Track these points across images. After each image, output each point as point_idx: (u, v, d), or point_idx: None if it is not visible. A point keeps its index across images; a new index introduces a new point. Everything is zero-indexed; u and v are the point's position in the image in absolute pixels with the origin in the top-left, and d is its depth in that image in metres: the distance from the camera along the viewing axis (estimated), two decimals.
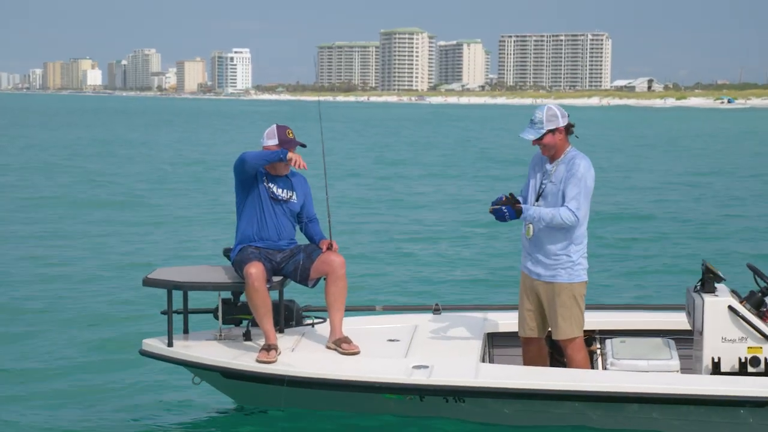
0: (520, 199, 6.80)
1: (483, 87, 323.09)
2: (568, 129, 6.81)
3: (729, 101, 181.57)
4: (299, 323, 7.52)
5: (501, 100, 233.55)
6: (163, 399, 7.71)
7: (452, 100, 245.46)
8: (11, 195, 23.55)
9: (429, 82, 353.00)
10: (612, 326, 7.56)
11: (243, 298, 7.14)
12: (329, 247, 7.15)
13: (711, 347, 6.64)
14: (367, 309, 8.25)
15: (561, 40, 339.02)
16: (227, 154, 40.96)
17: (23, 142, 48.25)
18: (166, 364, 7.26)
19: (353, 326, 7.43)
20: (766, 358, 6.59)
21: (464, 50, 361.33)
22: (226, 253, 7.34)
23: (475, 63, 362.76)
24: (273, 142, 7.15)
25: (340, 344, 7.01)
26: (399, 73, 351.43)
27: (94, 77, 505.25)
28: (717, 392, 6.30)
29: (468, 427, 6.63)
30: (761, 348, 6.60)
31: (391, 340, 7.27)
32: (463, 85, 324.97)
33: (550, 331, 6.97)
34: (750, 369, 6.58)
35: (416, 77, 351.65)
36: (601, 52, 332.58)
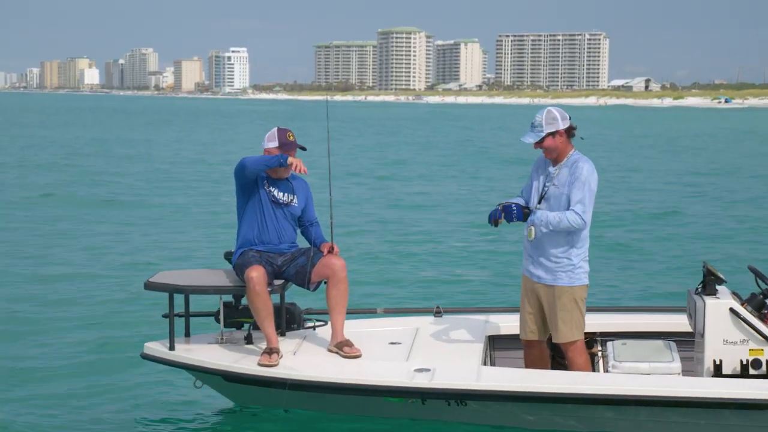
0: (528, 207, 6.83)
1: (480, 86, 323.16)
2: (569, 132, 6.80)
3: (726, 101, 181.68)
4: (300, 326, 7.52)
5: (498, 100, 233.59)
6: (165, 402, 7.70)
7: (449, 99, 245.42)
8: (11, 195, 23.50)
9: (426, 82, 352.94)
10: (613, 328, 7.56)
11: (244, 301, 7.14)
12: (330, 250, 7.15)
13: (712, 349, 6.65)
14: (369, 312, 8.26)
15: (558, 40, 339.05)
16: (226, 154, 40.96)
17: (24, 141, 48.16)
18: (167, 367, 7.26)
19: (354, 329, 7.43)
20: (767, 361, 6.59)
21: (461, 50, 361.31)
22: (227, 256, 7.34)
23: (472, 62, 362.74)
24: (273, 144, 7.15)
25: (342, 347, 7.01)
26: (396, 72, 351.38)
27: (91, 76, 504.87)
28: (718, 395, 6.30)
29: (470, 429, 6.63)
30: (762, 350, 6.61)
31: (392, 343, 7.27)
32: (460, 85, 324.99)
33: (551, 334, 6.98)
34: (751, 371, 6.59)
35: (413, 77, 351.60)
36: (599, 52, 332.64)
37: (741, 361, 6.61)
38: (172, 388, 7.93)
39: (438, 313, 7.92)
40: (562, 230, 6.63)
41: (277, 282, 7.05)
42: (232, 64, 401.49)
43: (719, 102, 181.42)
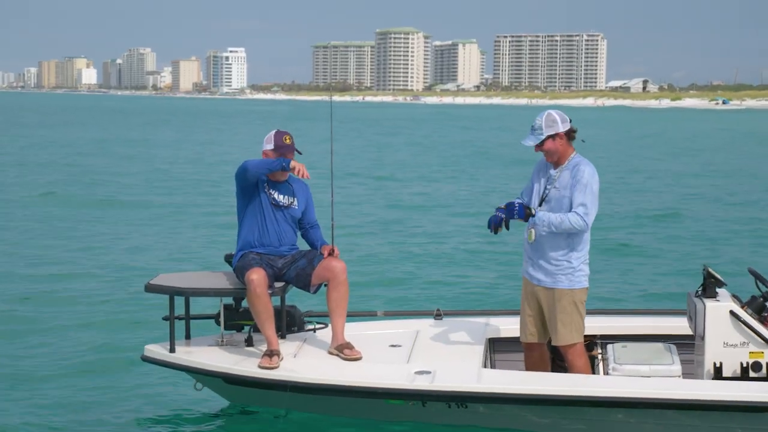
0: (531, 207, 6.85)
1: (478, 87, 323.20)
2: (570, 134, 6.81)
3: (724, 102, 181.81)
4: (301, 329, 7.52)
5: (496, 101, 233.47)
6: (165, 404, 7.69)
7: (447, 100, 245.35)
8: (10, 195, 23.49)
9: (424, 82, 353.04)
10: (613, 331, 7.57)
11: (245, 303, 7.14)
12: (330, 253, 7.16)
13: (712, 352, 6.66)
14: (369, 314, 8.26)
15: (556, 41, 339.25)
16: (225, 155, 40.96)
17: (23, 141, 48.13)
18: (168, 369, 7.27)
19: (355, 332, 7.43)
20: (767, 363, 6.60)
21: (459, 50, 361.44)
22: (228, 259, 7.35)
23: (470, 63, 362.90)
24: (270, 147, 7.16)
25: (342, 350, 7.01)
26: (394, 72, 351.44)
27: (89, 76, 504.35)
28: (719, 397, 6.31)
29: None
30: (763, 353, 6.62)
31: (392, 346, 7.28)
32: (458, 85, 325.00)
33: (551, 337, 6.98)
34: (752, 374, 6.60)
35: (411, 77, 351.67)
36: (596, 53, 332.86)
37: (741, 364, 6.61)
38: (172, 390, 7.92)
39: (438, 316, 7.92)
40: (563, 231, 6.64)
41: (278, 284, 7.05)
42: (230, 64, 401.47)
43: (716, 103, 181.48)
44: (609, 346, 7.18)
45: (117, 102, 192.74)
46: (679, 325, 7.45)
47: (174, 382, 7.94)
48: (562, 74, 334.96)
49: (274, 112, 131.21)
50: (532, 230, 6.79)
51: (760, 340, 6.61)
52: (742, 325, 6.62)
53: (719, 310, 6.65)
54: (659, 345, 7.12)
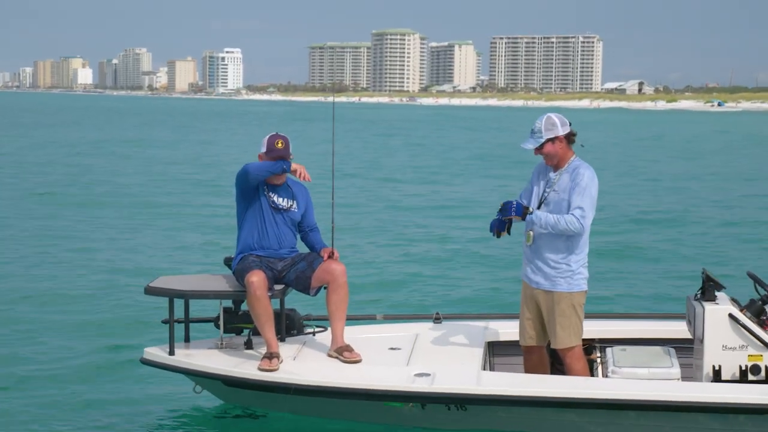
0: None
1: (474, 88, 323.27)
2: (569, 138, 6.83)
3: (719, 104, 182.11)
4: (300, 332, 7.53)
5: (492, 102, 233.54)
6: (164, 408, 7.68)
7: (443, 101, 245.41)
8: (8, 196, 23.47)
9: (420, 83, 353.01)
10: (612, 335, 7.58)
11: (244, 306, 7.15)
12: (330, 256, 7.17)
13: (711, 355, 6.67)
14: (368, 318, 8.27)
15: (552, 42, 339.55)
16: (223, 155, 40.92)
17: (22, 141, 48.05)
18: (167, 372, 7.27)
19: (354, 335, 7.44)
20: (766, 366, 6.62)
21: (455, 51, 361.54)
22: (227, 262, 7.35)
23: (466, 64, 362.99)
24: (264, 150, 7.17)
25: (342, 352, 7.02)
26: (390, 74, 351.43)
27: (85, 76, 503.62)
28: (718, 399, 6.32)
29: None
30: (762, 356, 6.63)
31: (392, 349, 7.28)
32: (454, 87, 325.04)
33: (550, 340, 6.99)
34: (750, 377, 6.62)
35: (407, 78, 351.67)
36: (592, 55, 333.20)
37: (740, 367, 6.63)
38: (171, 393, 7.90)
39: (437, 320, 7.93)
40: (559, 232, 6.65)
41: (278, 287, 7.06)
42: (226, 64, 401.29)
43: (712, 105, 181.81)
44: (608, 350, 7.20)
45: (113, 102, 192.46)
46: (677, 329, 7.47)
47: (173, 385, 7.92)
48: (558, 76, 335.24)
49: (270, 112, 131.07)
50: (530, 233, 6.82)
51: (759, 343, 6.63)
52: (741, 329, 6.64)
53: (718, 313, 6.67)
54: (658, 348, 7.14)
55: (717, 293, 6.85)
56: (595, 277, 8.81)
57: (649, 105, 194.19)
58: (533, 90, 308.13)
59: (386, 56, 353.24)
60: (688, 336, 7.10)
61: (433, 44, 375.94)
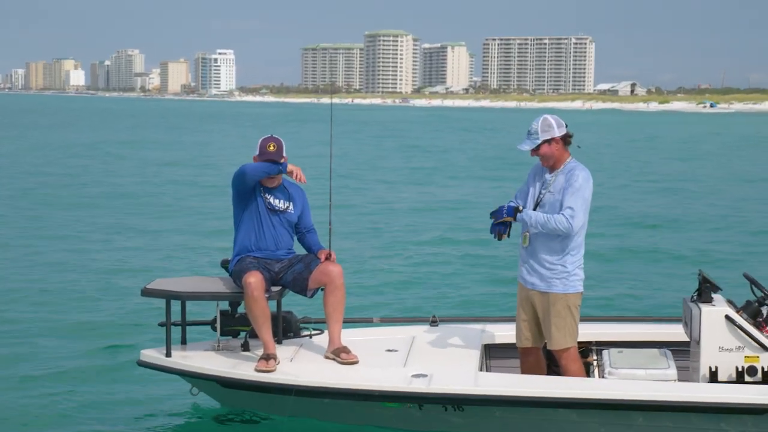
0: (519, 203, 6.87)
1: (467, 90, 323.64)
2: (566, 139, 6.84)
3: (711, 105, 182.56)
4: (297, 335, 7.53)
5: (485, 103, 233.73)
6: (161, 410, 7.66)
7: (436, 102, 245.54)
8: (3, 198, 23.40)
9: (413, 85, 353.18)
10: (608, 338, 7.60)
11: (241, 309, 7.15)
12: (327, 257, 7.16)
13: (708, 356, 6.69)
14: (364, 321, 8.28)
15: (545, 44, 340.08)
16: (217, 157, 40.87)
17: (21, 143, 47.89)
18: (164, 374, 7.26)
19: (351, 337, 7.44)
20: (763, 368, 6.64)
21: (448, 53, 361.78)
22: (224, 264, 7.35)
23: (459, 66, 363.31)
24: (257, 152, 7.16)
25: (339, 354, 7.02)
26: (383, 75, 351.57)
27: (77, 78, 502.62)
28: (714, 399, 6.34)
29: None
30: (758, 357, 6.65)
31: (389, 351, 7.29)
32: (447, 88, 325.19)
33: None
34: (747, 378, 6.63)
35: (400, 79, 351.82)
36: (585, 56, 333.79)
37: (736, 368, 6.65)
38: (168, 395, 7.89)
39: (434, 323, 7.93)
40: (549, 232, 6.67)
41: (275, 288, 7.06)
42: (219, 66, 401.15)
43: (704, 106, 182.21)
44: (604, 352, 7.21)
45: (106, 103, 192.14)
46: (674, 332, 7.49)
47: (170, 388, 7.91)
48: (550, 77, 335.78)
49: (263, 114, 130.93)
50: (527, 234, 6.84)
51: (755, 344, 6.65)
52: (738, 330, 6.66)
53: (715, 314, 6.69)
54: (655, 351, 7.15)
55: (713, 295, 6.87)
56: (592, 279, 8.83)
57: (641, 106, 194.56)
58: (526, 91, 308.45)
59: (379, 57, 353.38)
60: (685, 339, 7.11)
61: (426, 45, 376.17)
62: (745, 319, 6.72)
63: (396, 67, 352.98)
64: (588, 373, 7.23)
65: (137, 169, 33.47)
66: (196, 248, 16.36)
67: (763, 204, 24.76)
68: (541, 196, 6.84)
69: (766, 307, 6.92)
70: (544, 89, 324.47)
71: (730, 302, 6.92)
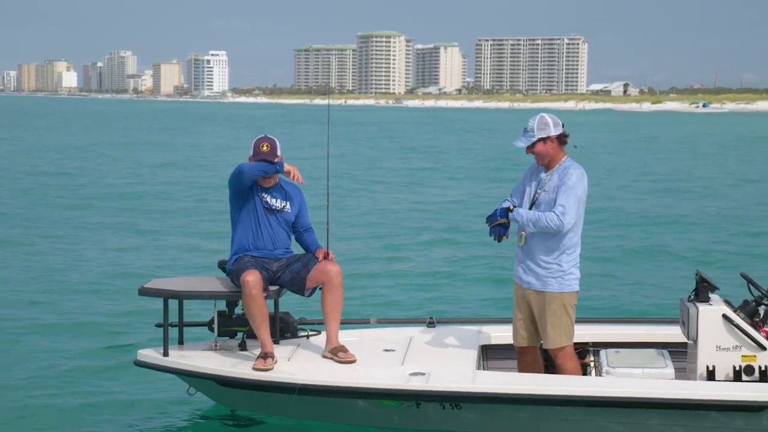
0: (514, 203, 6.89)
1: (460, 90, 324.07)
2: (561, 138, 6.85)
3: (704, 105, 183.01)
4: (294, 335, 7.52)
5: (478, 104, 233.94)
6: (158, 410, 7.66)
7: (429, 103, 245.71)
8: (3, 197, 23.33)
9: (406, 86, 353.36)
10: (605, 339, 7.61)
11: (238, 310, 7.14)
12: (325, 256, 7.16)
13: (705, 356, 6.70)
14: (361, 322, 8.28)
15: (537, 44, 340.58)
16: (212, 158, 40.82)
17: (17, 145, 47.76)
18: (161, 374, 7.26)
19: (348, 338, 7.44)
20: (760, 367, 6.66)
21: (441, 53, 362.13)
22: (221, 265, 7.34)
23: (452, 66, 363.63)
24: (252, 152, 7.17)
25: (337, 353, 7.02)
26: (376, 76, 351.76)
27: (70, 79, 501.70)
28: (711, 396, 6.35)
29: None
30: (755, 356, 6.67)
31: (387, 350, 7.29)
32: (440, 89, 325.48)
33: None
34: (744, 377, 6.65)
35: (393, 80, 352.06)
36: (577, 56, 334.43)
37: (734, 367, 6.67)
38: (165, 395, 7.89)
39: (431, 324, 7.93)
40: (540, 229, 6.70)
41: (272, 288, 7.05)
42: (212, 67, 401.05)
43: (697, 106, 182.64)
44: (602, 352, 7.23)
45: (99, 105, 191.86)
46: (671, 333, 7.51)
47: (167, 387, 7.91)
48: (543, 77, 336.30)
49: (256, 115, 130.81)
50: (522, 233, 6.85)
51: (752, 343, 6.67)
52: (735, 329, 6.68)
53: (712, 314, 6.71)
54: (652, 350, 7.18)
55: (711, 294, 6.89)
56: (588, 279, 8.83)
57: (634, 106, 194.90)
58: (519, 92, 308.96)
59: (372, 58, 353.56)
60: (683, 340, 7.13)
61: (419, 46, 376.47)
62: (743, 319, 6.74)
63: (389, 68, 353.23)
64: (585, 374, 7.24)
65: (131, 171, 33.41)
66: (191, 249, 16.34)
67: (760, 204, 24.77)
68: (537, 195, 6.86)
69: (763, 306, 6.95)
70: (536, 90, 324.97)
71: (728, 302, 6.94)
